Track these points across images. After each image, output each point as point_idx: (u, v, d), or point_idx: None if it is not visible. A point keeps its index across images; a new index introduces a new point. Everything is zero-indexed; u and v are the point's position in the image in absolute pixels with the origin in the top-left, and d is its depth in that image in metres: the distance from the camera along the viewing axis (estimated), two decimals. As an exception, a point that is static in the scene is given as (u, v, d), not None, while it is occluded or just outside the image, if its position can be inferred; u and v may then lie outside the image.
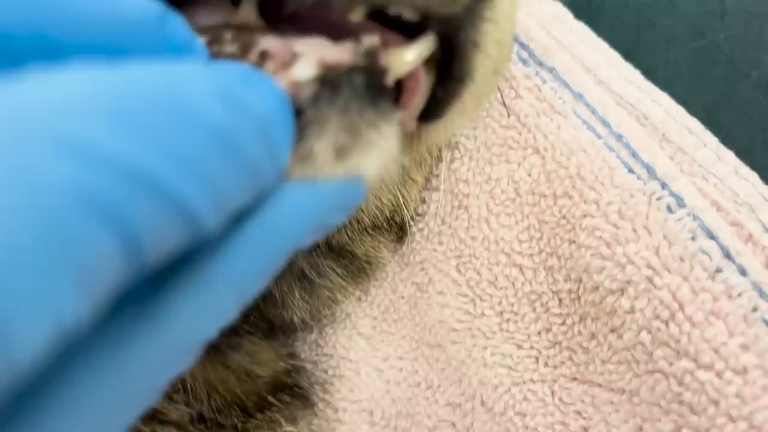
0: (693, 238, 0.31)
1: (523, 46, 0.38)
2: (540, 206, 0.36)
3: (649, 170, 0.33)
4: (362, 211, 0.34)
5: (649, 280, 0.31)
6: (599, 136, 0.35)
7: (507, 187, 0.37)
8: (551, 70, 0.37)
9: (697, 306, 0.30)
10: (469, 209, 0.38)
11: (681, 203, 0.32)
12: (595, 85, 0.36)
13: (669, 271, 0.31)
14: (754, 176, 0.34)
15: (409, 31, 0.24)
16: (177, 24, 0.18)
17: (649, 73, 0.37)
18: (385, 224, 0.36)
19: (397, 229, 0.38)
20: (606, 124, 0.35)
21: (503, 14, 0.27)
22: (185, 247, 0.16)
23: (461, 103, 0.28)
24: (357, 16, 0.22)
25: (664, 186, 0.32)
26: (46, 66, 0.14)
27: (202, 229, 0.15)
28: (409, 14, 0.23)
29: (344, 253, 0.36)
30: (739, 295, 0.30)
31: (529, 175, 0.37)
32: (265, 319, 0.37)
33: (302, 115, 0.19)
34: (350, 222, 0.34)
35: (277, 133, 0.18)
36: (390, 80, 0.22)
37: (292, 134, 0.19)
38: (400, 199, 0.35)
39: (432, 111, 0.27)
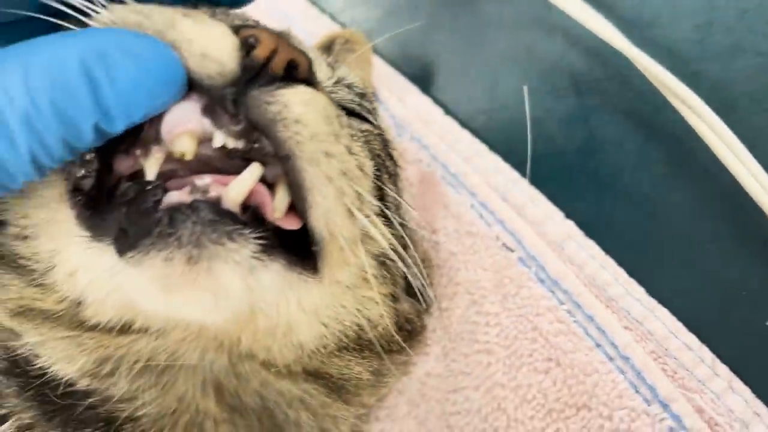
0: (692, 458, 0.37)
1: (540, 267, 0.45)
2: (565, 413, 0.42)
3: (652, 391, 0.39)
4: (325, 337, 0.38)
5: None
6: (610, 358, 0.41)
7: (537, 393, 0.44)
8: (565, 291, 0.44)
9: None
10: (507, 411, 0.45)
11: (680, 424, 0.38)
12: (604, 307, 0.42)
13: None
14: (746, 391, 0.39)
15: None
16: None
17: (653, 288, 0.43)
18: (352, 344, 0.40)
19: (369, 348, 0.41)
20: (614, 345, 0.41)
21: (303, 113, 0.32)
22: None
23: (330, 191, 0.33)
24: (189, 156, 0.31)
25: (665, 407, 0.38)
26: None
27: None
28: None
29: (321, 374, 0.40)
30: None
31: (554, 384, 0.43)
32: None
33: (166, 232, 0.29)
34: (317, 348, 0.38)
35: None
36: (230, 206, 0.30)
37: None
38: (361, 319, 0.39)
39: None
